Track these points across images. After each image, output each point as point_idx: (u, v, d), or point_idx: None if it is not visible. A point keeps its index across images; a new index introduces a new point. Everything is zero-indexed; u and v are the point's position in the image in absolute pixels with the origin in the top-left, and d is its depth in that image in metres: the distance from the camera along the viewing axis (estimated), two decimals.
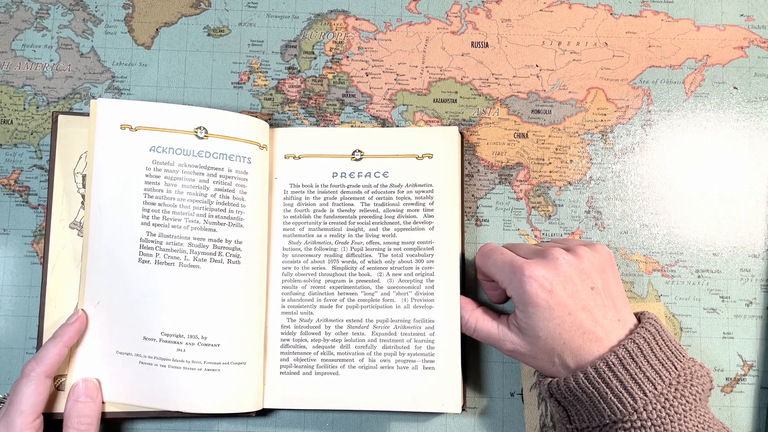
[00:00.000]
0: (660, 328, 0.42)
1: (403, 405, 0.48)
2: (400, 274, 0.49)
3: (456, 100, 0.53)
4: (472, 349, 0.51)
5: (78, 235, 0.49)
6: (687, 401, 0.39)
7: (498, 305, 0.50)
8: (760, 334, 0.51)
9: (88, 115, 0.50)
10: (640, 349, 0.40)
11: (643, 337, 0.41)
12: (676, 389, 0.40)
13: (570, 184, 0.52)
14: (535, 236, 0.52)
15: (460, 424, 0.50)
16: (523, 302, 0.42)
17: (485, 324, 0.46)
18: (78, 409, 0.45)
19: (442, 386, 0.48)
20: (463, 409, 0.48)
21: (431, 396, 0.48)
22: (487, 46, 0.54)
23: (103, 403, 0.47)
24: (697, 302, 0.51)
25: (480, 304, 0.48)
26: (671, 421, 0.39)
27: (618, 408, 0.39)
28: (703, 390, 0.40)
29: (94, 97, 0.52)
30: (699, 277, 0.52)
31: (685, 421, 0.39)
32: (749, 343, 0.51)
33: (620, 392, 0.39)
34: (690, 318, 0.51)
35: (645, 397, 0.39)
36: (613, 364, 0.40)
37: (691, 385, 0.40)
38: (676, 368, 0.40)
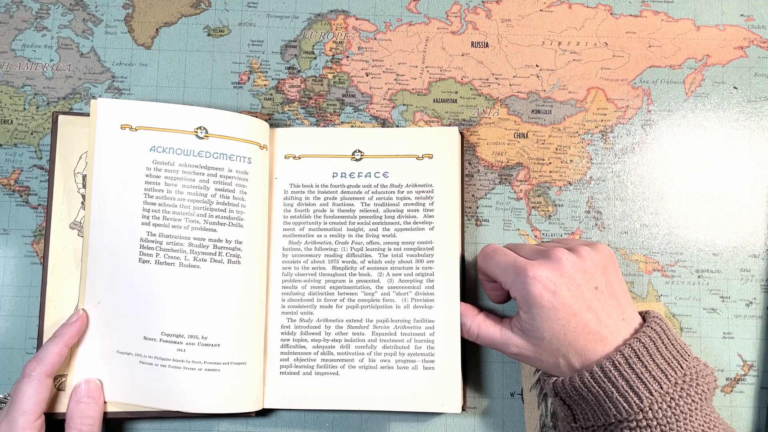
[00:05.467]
0: (665, 327, 0.42)
1: (403, 405, 0.48)
2: (400, 274, 0.49)
3: (456, 100, 0.53)
4: (472, 349, 0.51)
5: (78, 235, 0.49)
6: (693, 400, 0.39)
7: (499, 306, 0.50)
8: (760, 334, 0.51)
9: (88, 115, 0.50)
10: (646, 348, 0.40)
11: (649, 336, 0.40)
12: (681, 388, 0.40)
13: (570, 184, 0.52)
14: (535, 236, 0.52)
15: (460, 424, 0.50)
16: (527, 304, 0.42)
17: (488, 330, 0.45)
18: (80, 410, 0.45)
19: (442, 386, 0.48)
20: (463, 409, 0.48)
21: (431, 396, 0.48)
22: (487, 46, 0.54)
23: (105, 403, 0.47)
24: (697, 302, 0.51)
25: (481, 309, 0.48)
26: (677, 421, 0.39)
27: (624, 407, 0.39)
28: (708, 389, 0.40)
29: (94, 97, 0.52)
30: (699, 277, 0.52)
31: (690, 421, 0.39)
32: (749, 343, 0.51)
33: (626, 391, 0.39)
34: (690, 318, 0.51)
35: (651, 397, 0.39)
36: (619, 363, 0.40)
37: (697, 384, 0.40)
38: (681, 367, 0.40)
